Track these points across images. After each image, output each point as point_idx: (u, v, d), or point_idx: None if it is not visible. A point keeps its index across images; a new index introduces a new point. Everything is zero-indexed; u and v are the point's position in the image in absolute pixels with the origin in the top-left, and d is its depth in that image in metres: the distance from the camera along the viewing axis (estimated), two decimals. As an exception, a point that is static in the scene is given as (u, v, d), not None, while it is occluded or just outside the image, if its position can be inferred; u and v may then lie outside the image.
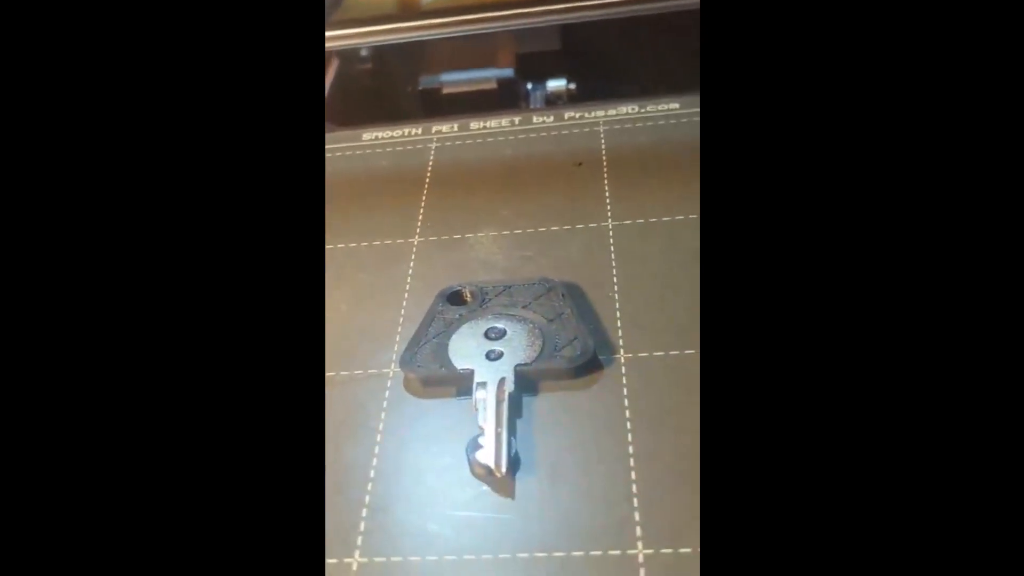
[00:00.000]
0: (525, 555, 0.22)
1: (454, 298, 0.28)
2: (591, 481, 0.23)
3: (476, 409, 0.25)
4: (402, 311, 0.29)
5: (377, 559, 0.22)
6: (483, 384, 0.25)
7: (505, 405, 0.24)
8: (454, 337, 0.27)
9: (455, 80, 0.43)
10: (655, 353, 0.26)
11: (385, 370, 0.27)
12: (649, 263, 0.29)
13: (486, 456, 0.23)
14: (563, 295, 0.27)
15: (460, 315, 0.28)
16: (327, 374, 0.27)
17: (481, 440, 0.24)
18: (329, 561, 0.22)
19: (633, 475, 0.23)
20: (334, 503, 0.23)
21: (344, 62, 0.45)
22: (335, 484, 0.24)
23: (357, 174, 0.36)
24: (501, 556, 0.22)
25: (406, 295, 0.29)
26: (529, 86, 0.44)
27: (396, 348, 0.27)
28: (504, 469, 0.23)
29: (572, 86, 0.43)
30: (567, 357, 0.25)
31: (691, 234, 0.30)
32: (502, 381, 0.25)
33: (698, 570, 0.21)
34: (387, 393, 0.26)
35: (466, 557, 0.22)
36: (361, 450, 0.25)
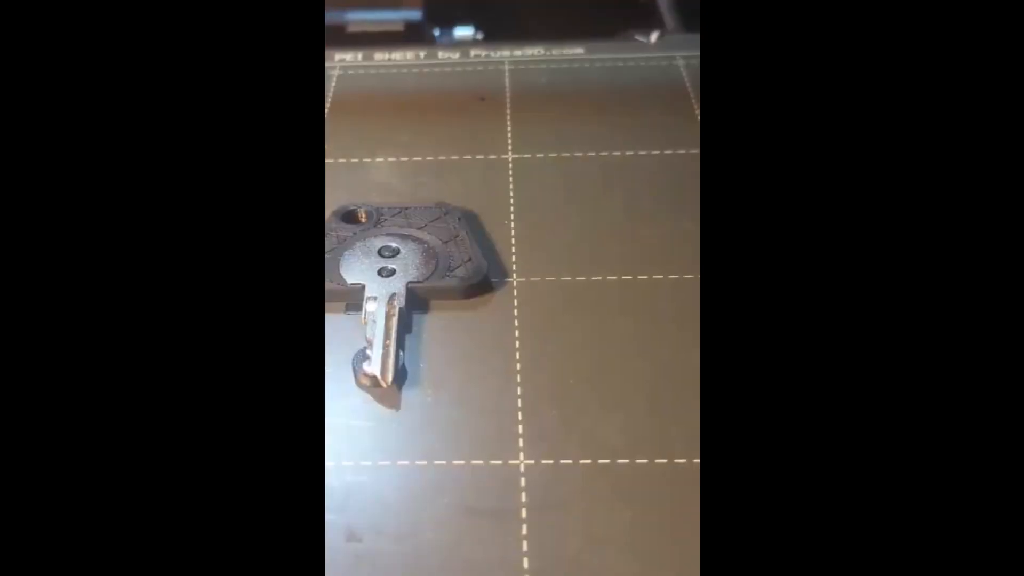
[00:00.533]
0: (405, 463, 0.22)
1: (348, 217, 0.28)
2: (476, 394, 0.23)
3: (365, 323, 0.24)
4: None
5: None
6: (374, 298, 0.25)
7: (395, 319, 0.24)
8: (346, 254, 0.26)
9: (360, 19, 0.42)
10: (547, 278, 0.26)
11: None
12: (547, 195, 0.29)
13: (372, 367, 0.23)
14: (459, 219, 0.27)
15: (354, 233, 0.27)
16: None
17: (368, 352, 0.23)
18: None
19: (519, 390, 0.23)
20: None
21: None
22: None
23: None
24: (381, 463, 0.22)
25: None
26: (437, 32, 0.44)
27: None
28: (390, 379, 0.23)
29: (480, 36, 0.43)
30: (460, 276, 0.25)
31: (590, 169, 0.30)
32: (393, 296, 0.25)
33: (575, 480, 0.21)
34: None
35: (344, 463, 0.21)
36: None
